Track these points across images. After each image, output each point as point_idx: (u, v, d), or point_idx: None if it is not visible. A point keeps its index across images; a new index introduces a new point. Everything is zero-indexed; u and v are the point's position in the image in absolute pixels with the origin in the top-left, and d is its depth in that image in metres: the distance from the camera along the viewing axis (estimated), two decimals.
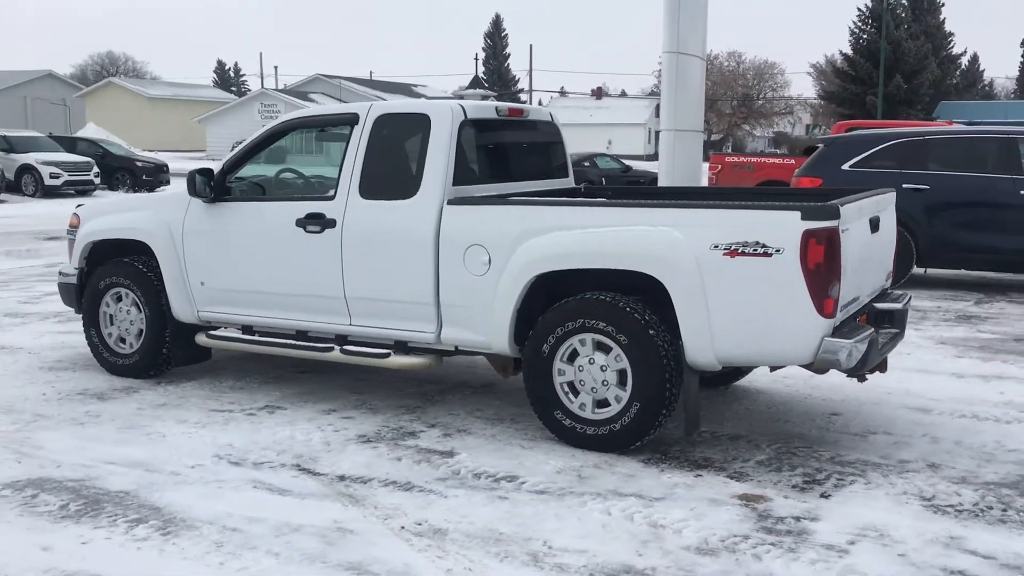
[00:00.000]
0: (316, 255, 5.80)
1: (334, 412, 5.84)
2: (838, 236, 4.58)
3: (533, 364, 5.19)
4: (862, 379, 5.15)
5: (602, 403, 5.06)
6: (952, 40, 46.30)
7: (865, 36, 41.90)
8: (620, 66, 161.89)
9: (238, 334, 6.27)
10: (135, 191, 28.26)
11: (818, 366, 4.72)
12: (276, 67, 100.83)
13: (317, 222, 5.77)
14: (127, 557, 3.83)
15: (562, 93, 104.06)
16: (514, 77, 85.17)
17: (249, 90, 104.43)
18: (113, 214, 6.83)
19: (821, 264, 4.54)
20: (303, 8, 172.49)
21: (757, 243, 4.62)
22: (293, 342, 6.02)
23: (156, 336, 6.48)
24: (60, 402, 6.06)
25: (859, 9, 42.94)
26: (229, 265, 6.16)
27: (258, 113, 59.22)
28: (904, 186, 10.26)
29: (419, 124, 5.65)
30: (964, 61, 56.53)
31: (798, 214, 4.58)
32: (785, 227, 4.58)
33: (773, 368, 5.49)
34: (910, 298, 5.77)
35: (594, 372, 5.03)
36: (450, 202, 5.44)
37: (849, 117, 42.48)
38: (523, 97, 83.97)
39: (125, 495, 4.47)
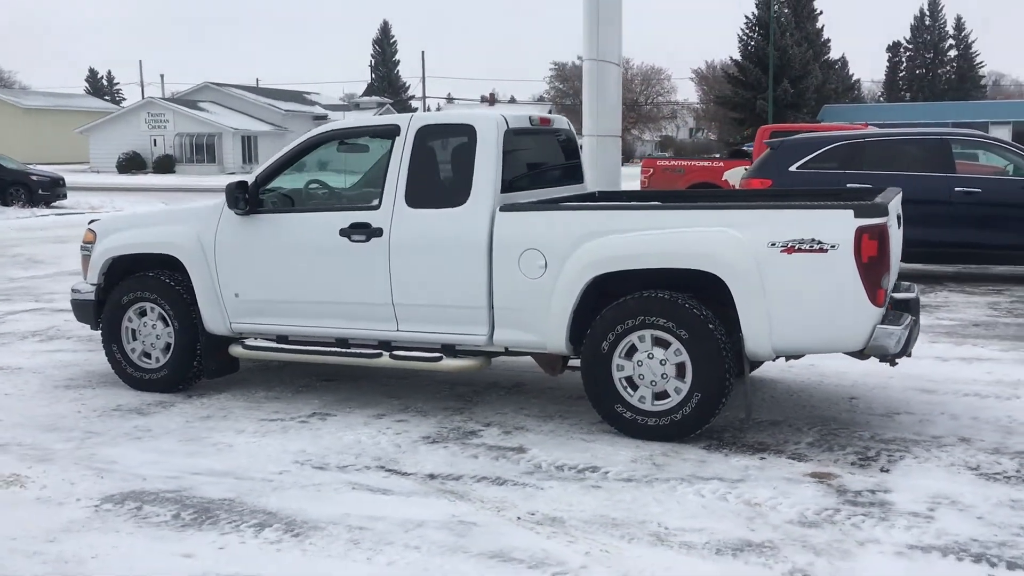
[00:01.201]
0: (362, 264, 5.94)
1: (385, 416, 5.98)
2: (887, 231, 5.01)
3: (592, 361, 5.47)
4: (893, 363, 5.59)
5: (661, 395, 5.37)
6: (829, 46, 48.53)
7: (753, 43, 43.57)
8: (510, 72, 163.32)
9: (274, 344, 6.33)
10: (30, 207, 27.26)
11: (869, 352, 5.14)
12: (162, 75, 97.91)
13: (362, 231, 5.91)
14: (273, 558, 3.94)
15: (449, 100, 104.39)
16: (404, 84, 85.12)
17: (124, 99, 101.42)
18: (135, 229, 6.80)
19: (874, 257, 4.96)
20: (180, 16, 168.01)
21: (813, 240, 5.01)
22: (337, 350, 6.14)
23: (186, 350, 6.49)
24: (100, 419, 6.03)
25: (747, 17, 44.75)
26: (267, 276, 6.23)
27: (145, 123, 57.65)
28: (848, 186, 10.93)
29: (464, 134, 5.86)
30: (838, 66, 59.09)
31: (851, 212, 4.99)
32: (839, 224, 4.98)
33: (789, 358, 5.81)
34: (917, 288, 6.27)
35: (653, 366, 5.33)
36: (502, 208, 5.67)
37: (740, 121, 44.16)
38: (414, 104, 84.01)
39: (231, 502, 4.56)
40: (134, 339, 6.66)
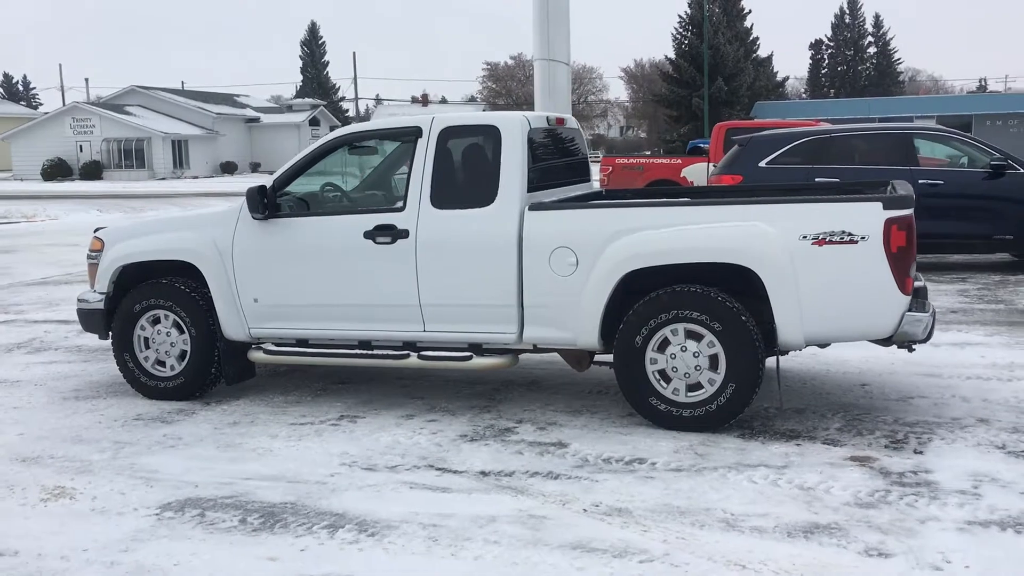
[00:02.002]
0: (387, 265, 5.96)
1: (415, 417, 6.02)
2: (914, 222, 5.22)
3: (626, 355, 5.58)
4: (911, 349, 5.80)
5: (694, 387, 5.50)
6: (758, 44, 49.54)
7: (687, 42, 44.24)
8: (440, 72, 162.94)
9: (298, 348, 6.32)
10: None
11: (897, 339, 5.34)
12: (87, 79, 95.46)
13: (387, 233, 5.94)
14: (358, 558, 3.97)
15: (378, 101, 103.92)
16: (334, 85, 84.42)
17: (41, 104, 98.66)
18: (146, 236, 6.71)
19: (903, 247, 5.17)
20: (98, 19, 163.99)
21: (843, 232, 5.19)
22: (363, 352, 6.15)
23: (203, 356, 6.44)
24: (125, 429, 5.96)
25: (680, 16, 45.42)
26: (288, 280, 6.22)
27: (70, 128, 56.26)
28: (817, 180, 11.26)
29: (488, 135, 5.93)
30: (765, 64, 60.15)
31: (880, 204, 5.20)
32: (869, 216, 5.18)
33: (823, 345, 6.04)
34: (923, 277, 6.51)
35: (687, 359, 5.47)
36: (531, 208, 5.75)
37: (676, 119, 44.79)
38: (345, 106, 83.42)
39: (293, 505, 4.57)
40: (147, 347, 6.59)
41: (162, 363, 6.57)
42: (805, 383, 6.57)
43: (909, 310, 5.30)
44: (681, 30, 45.08)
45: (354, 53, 70.11)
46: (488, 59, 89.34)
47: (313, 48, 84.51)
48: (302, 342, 6.36)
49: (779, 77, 58.87)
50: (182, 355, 6.51)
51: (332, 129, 63.23)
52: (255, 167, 60.63)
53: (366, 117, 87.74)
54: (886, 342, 5.48)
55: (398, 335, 6.10)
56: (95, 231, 6.99)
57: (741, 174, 11.81)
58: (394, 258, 5.95)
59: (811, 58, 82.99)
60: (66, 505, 4.68)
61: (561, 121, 6.61)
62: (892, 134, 11.96)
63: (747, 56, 46.95)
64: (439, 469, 5.05)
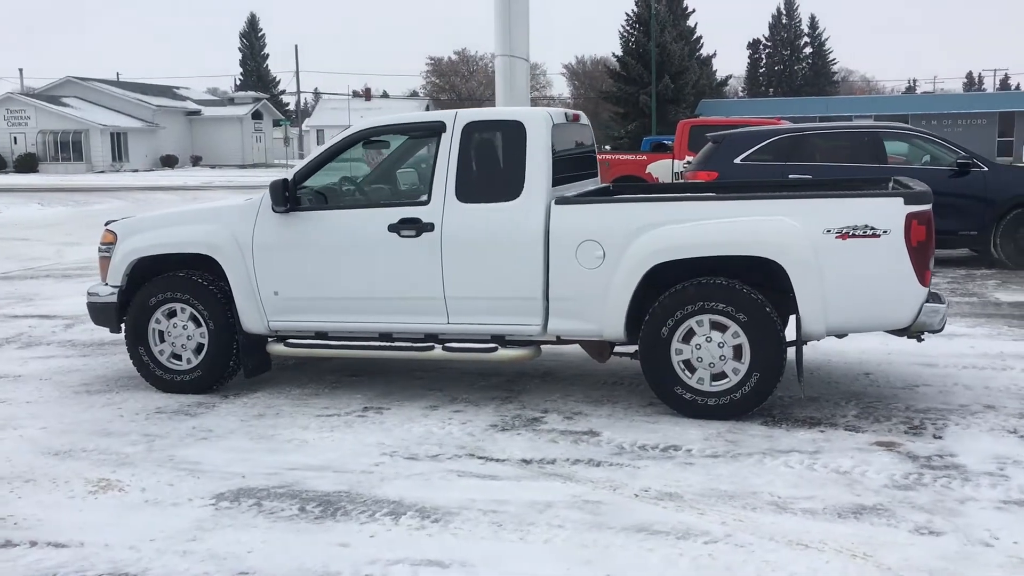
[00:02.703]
0: (413, 258, 6.03)
1: (439, 408, 6.10)
2: (932, 217, 5.45)
3: (652, 346, 5.73)
4: (920, 339, 6.04)
5: (718, 376, 5.68)
6: (702, 43, 50.26)
7: (634, 40, 44.67)
8: (382, 67, 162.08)
9: (321, 341, 6.36)
10: None
11: (915, 329, 5.58)
12: (21, 70, 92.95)
13: (412, 226, 6.01)
14: (430, 543, 4.05)
15: (316, 95, 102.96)
16: (275, 78, 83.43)
17: None
18: (163, 228, 6.69)
19: (923, 241, 5.40)
20: (26, 7, 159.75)
21: (866, 226, 5.41)
22: (387, 344, 6.21)
23: (221, 349, 6.44)
24: (150, 422, 5.94)
25: (627, 14, 45.80)
26: (309, 273, 6.25)
27: (3, 120, 54.83)
28: (791, 176, 11.57)
29: (512, 130, 6.03)
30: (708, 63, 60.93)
31: (901, 200, 5.42)
32: (891, 211, 5.40)
33: (840, 335, 6.19)
34: None
35: (712, 349, 5.64)
36: (557, 201, 5.87)
37: (624, 116, 45.21)
38: (285, 100, 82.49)
39: (347, 494, 4.63)
40: (161, 341, 6.56)
41: (178, 356, 6.55)
42: (811, 372, 6.77)
43: (926, 301, 5.53)
44: (628, 28, 45.52)
45: (296, 46, 69.15)
46: (432, 54, 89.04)
47: (252, 40, 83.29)
48: (321, 335, 6.40)
49: (719, 76, 59.71)
50: (199, 348, 6.50)
51: (276, 123, 62.80)
52: (196, 160, 59.76)
53: (308, 111, 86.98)
54: (902, 332, 5.71)
55: (420, 327, 6.17)
56: (106, 224, 6.93)
57: (717, 170, 12.05)
58: (419, 251, 6.02)
59: (749, 57, 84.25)
60: (117, 497, 4.67)
61: (576, 117, 6.74)
62: (862, 133, 12.33)
63: (692, 55, 47.56)
64: (480, 458, 5.15)
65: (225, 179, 43.31)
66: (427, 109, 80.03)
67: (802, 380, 5.64)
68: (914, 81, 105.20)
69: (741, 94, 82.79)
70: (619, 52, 45.27)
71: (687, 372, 5.71)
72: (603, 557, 3.89)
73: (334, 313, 6.29)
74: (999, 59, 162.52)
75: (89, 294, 6.85)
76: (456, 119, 6.12)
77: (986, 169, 11.76)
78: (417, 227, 6.01)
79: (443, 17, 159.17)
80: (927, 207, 5.44)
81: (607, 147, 32.70)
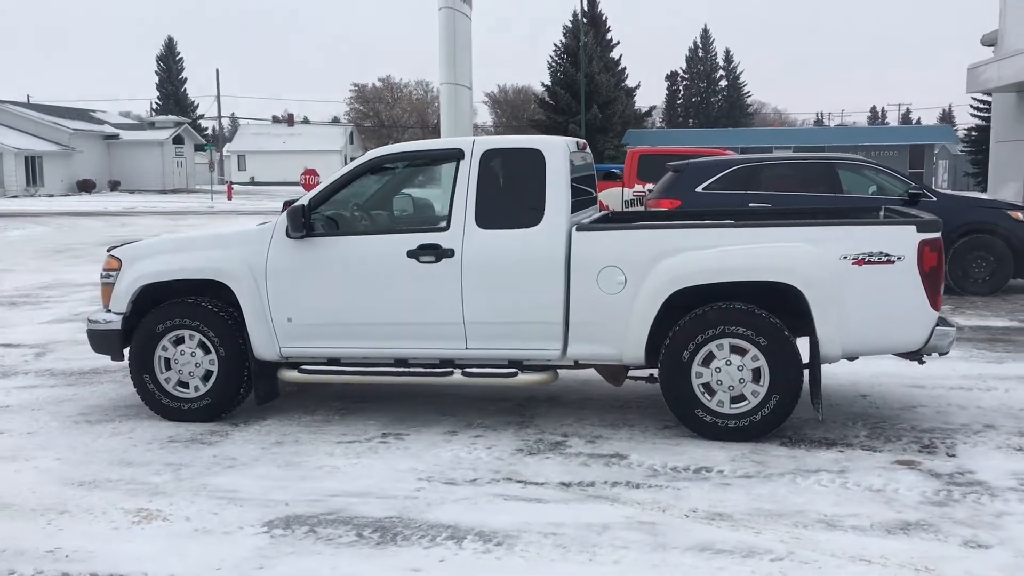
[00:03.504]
0: (431, 284, 6.06)
1: (458, 433, 6.12)
2: (942, 245, 5.71)
3: (672, 370, 5.86)
4: (922, 361, 6.27)
5: (737, 399, 5.83)
6: (627, 74, 51.25)
7: (562, 70, 45.33)
8: (304, 92, 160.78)
9: (336, 367, 6.33)
10: None
11: (926, 351, 5.82)
12: None
13: (432, 252, 6.05)
14: (502, 566, 4.08)
15: (233, 120, 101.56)
16: (193, 102, 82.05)
17: None
18: (171, 254, 6.58)
19: (934, 267, 5.65)
20: None
21: (881, 253, 5.64)
22: (405, 370, 6.22)
23: (232, 377, 6.37)
24: (166, 451, 5.84)
25: (555, 45, 46.51)
26: (325, 299, 6.23)
27: None
28: (751, 205, 11.92)
29: (531, 158, 6.13)
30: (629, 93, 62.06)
31: (914, 227, 5.67)
32: (904, 238, 5.64)
33: (852, 358, 6.37)
34: None
35: (732, 372, 5.79)
36: (578, 228, 5.98)
37: None
38: (204, 124, 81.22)
39: (400, 519, 4.63)
40: (168, 368, 6.45)
41: (184, 384, 6.45)
42: (805, 395, 6.98)
43: (936, 325, 5.78)
44: (557, 58, 46.17)
45: (217, 71, 68.55)
46: (356, 80, 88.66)
47: (170, 64, 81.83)
48: (333, 360, 6.38)
49: (641, 107, 60.89)
50: (207, 376, 6.41)
51: (198, 147, 61.75)
52: (114, 185, 58.33)
53: (227, 136, 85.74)
54: (912, 355, 5.95)
55: (437, 353, 6.19)
56: (109, 250, 6.79)
57: (679, 198, 12.32)
58: (439, 277, 6.05)
59: (668, 89, 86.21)
60: (163, 527, 4.59)
61: (584, 146, 6.87)
62: (818, 163, 12.74)
63: (617, 85, 48.42)
64: (519, 481, 5.19)
65: (148, 205, 42.47)
66: (351, 136, 79.79)
67: (820, 403, 5.81)
68: (821, 114, 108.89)
69: (660, 124, 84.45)
70: (547, 81, 45.82)
71: (707, 395, 5.85)
72: None
73: (348, 339, 6.27)
74: (902, 95, 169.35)
75: (90, 321, 6.69)
76: (474, 146, 6.19)
77: (935, 199, 12.26)
78: (436, 253, 6.05)
79: (365, 43, 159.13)
80: (938, 235, 5.70)
81: None
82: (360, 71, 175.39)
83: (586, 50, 41.89)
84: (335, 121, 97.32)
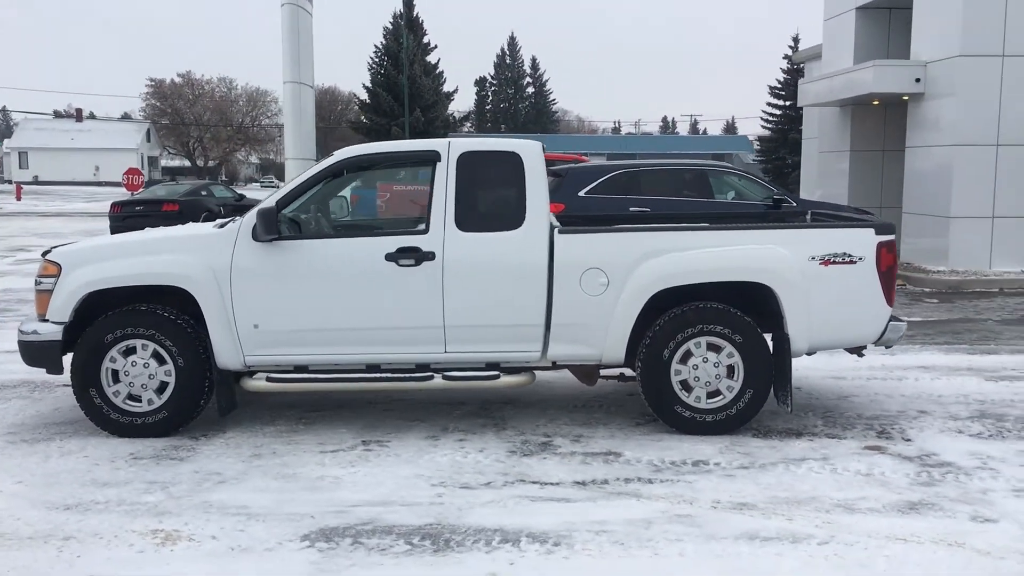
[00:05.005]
0: (412, 287, 5.98)
1: (440, 438, 6.07)
2: (896, 246, 6.17)
3: (653, 368, 6.04)
4: (861, 354, 6.74)
5: (713, 394, 6.08)
6: (444, 78, 51.42)
7: (384, 72, 44.98)
8: (91, 86, 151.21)
9: (310, 375, 6.11)
10: None
11: (881, 343, 6.26)
12: None
13: (411, 255, 5.97)
14: (568, 565, 4.11)
15: (3, 113, 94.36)
16: None
17: None
18: (121, 259, 6.13)
19: (890, 266, 6.09)
20: None
21: (845, 254, 6.03)
22: (384, 376, 6.09)
23: (192, 388, 6.03)
24: (138, 468, 5.48)
25: (376, 46, 46.05)
26: (296, 304, 6.01)
27: None
28: (631, 209, 12.36)
29: (508, 161, 6.14)
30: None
31: (872, 230, 6.09)
32: (865, 240, 6.05)
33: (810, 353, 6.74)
34: None
35: (708, 369, 6.04)
36: (561, 231, 6.06)
37: None
38: None
39: (440, 526, 4.55)
40: (116, 381, 6.03)
41: (136, 397, 6.05)
42: None
43: (890, 320, 6.23)
44: (377, 60, 45.79)
45: None
46: (154, 75, 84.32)
47: None
48: (300, 368, 6.16)
49: (455, 111, 61.37)
50: (161, 387, 6.04)
51: None
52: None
53: (4, 131, 79.73)
54: (857, 348, 6.39)
55: (414, 357, 6.11)
56: (44, 254, 6.26)
57: (563, 202, 12.56)
58: (419, 280, 5.97)
59: (476, 94, 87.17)
60: (192, 547, 4.32)
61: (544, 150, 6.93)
62: (691, 170, 13.34)
63: (437, 89, 48.56)
64: (532, 483, 5.20)
65: None
66: (148, 133, 76.02)
67: (791, 396, 6.11)
68: (618, 123, 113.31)
69: (469, 128, 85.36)
70: (368, 84, 45.37)
71: (684, 391, 6.06)
72: (749, 564, 4.13)
73: (319, 345, 6.08)
74: (692, 106, 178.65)
75: (23, 332, 6.16)
76: (450, 148, 6.14)
77: (795, 204, 13.09)
78: (417, 256, 5.96)
79: (161, 38, 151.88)
80: (892, 237, 6.15)
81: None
82: (156, 66, 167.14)
83: (408, 53, 41.81)
84: (125, 117, 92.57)
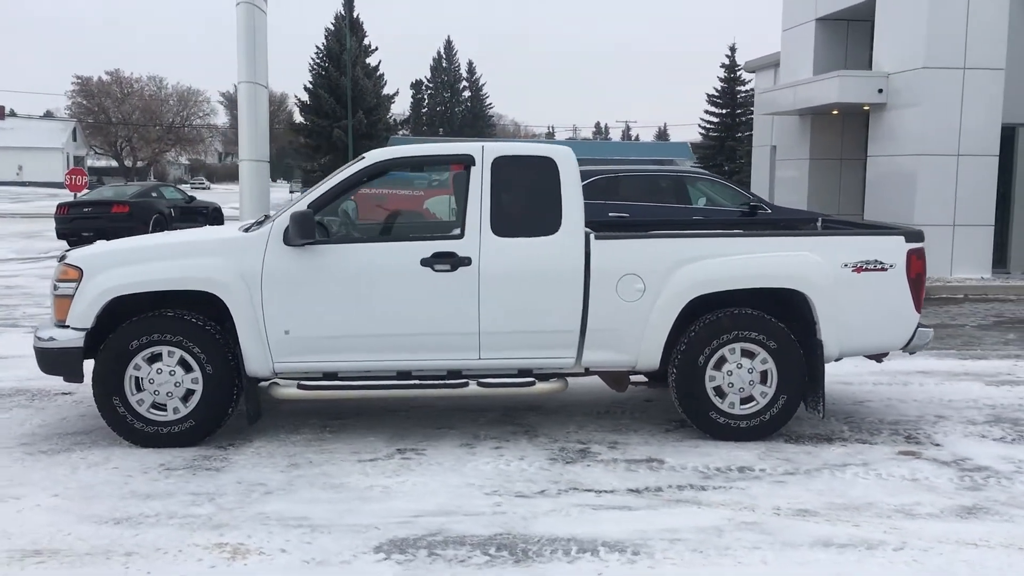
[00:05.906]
0: (446, 293, 5.89)
1: (475, 446, 5.98)
2: (925, 252, 6.27)
3: (687, 374, 6.04)
4: (880, 360, 6.82)
5: (746, 400, 6.10)
6: (385, 80, 50.99)
7: (325, 73, 44.43)
8: (11, 83, 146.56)
9: (342, 382, 5.98)
10: None
11: (909, 349, 6.36)
12: None
13: (447, 260, 5.88)
14: (655, 574, 4.07)
15: None
16: None
17: None
18: (149, 263, 5.90)
19: (920, 274, 6.19)
20: None
21: (876, 261, 6.11)
22: (419, 383, 5.98)
23: (221, 396, 5.86)
24: (176, 480, 5.30)
25: (317, 47, 45.47)
26: (328, 310, 5.87)
27: None
28: (611, 215, 12.40)
29: (543, 165, 6.09)
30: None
31: (903, 237, 6.18)
32: (896, 247, 6.14)
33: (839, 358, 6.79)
34: None
35: (742, 375, 6.06)
36: (598, 236, 6.03)
37: (316, 148, 44.81)
38: None
39: (511, 535, 4.48)
40: (139, 390, 5.83)
41: (161, 406, 5.85)
42: None
43: (918, 326, 6.33)
44: (319, 61, 45.23)
45: None
46: (80, 72, 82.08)
47: None
48: (329, 375, 6.03)
49: (394, 113, 60.97)
50: (186, 396, 5.85)
51: None
52: None
53: None
54: (882, 355, 6.48)
55: (447, 364, 6.01)
56: (61, 258, 6.01)
57: None
58: (454, 285, 5.88)
59: (413, 97, 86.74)
60: (264, 560, 4.18)
61: None
62: (668, 176, 13.47)
63: (378, 91, 48.15)
64: (586, 491, 5.16)
65: None
66: (74, 132, 73.97)
67: (823, 402, 6.15)
68: (552, 128, 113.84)
69: (405, 132, 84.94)
70: (310, 85, 44.78)
71: (718, 397, 6.07)
72: (834, 572, 4.13)
73: (351, 351, 5.94)
74: (624, 112, 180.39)
75: (39, 339, 5.91)
76: (484, 153, 6.07)
77: (769, 211, 13.28)
78: (452, 261, 5.87)
79: (86, 34, 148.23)
80: (922, 244, 6.24)
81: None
82: (82, 64, 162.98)
83: (351, 55, 41.37)
84: (48, 115, 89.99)
